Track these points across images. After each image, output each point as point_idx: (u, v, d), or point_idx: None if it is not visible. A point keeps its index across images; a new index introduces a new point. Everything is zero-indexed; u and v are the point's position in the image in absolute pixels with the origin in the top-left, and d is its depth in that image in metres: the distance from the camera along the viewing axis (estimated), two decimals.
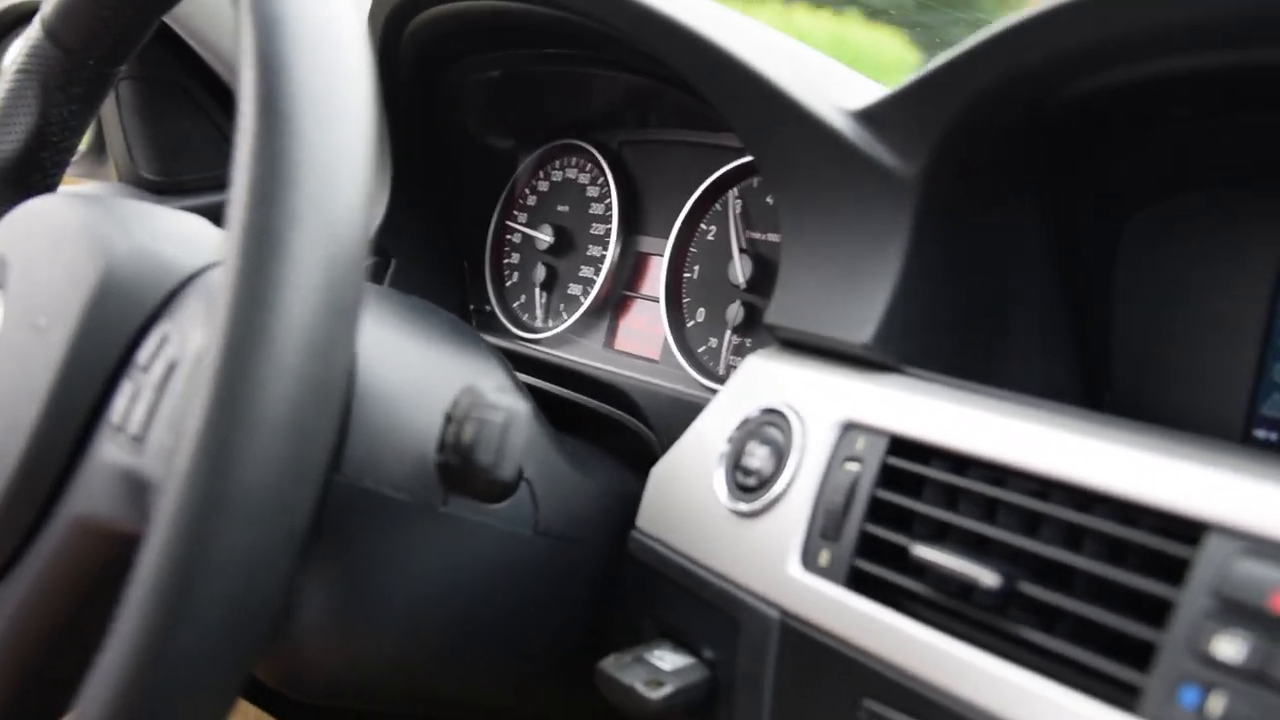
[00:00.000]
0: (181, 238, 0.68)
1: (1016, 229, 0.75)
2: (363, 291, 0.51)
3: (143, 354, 0.63)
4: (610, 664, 0.71)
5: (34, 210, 0.73)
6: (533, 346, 1.11)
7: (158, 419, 0.59)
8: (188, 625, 0.46)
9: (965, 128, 0.69)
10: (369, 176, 0.51)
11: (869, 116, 0.74)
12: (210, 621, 0.46)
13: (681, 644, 0.73)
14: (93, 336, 0.63)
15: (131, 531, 0.58)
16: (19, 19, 1.54)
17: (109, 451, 0.62)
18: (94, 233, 0.66)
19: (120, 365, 0.63)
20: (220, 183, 1.45)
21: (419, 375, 0.71)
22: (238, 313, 0.47)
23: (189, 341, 0.61)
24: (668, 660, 0.71)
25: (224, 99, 1.42)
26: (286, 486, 0.47)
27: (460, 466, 0.62)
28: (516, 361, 0.99)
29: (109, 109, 1.45)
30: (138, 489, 0.59)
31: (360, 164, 0.50)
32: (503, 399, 0.61)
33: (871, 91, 0.76)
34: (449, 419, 0.63)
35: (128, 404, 0.61)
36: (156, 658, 0.46)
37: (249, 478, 0.46)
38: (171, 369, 0.61)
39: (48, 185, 0.85)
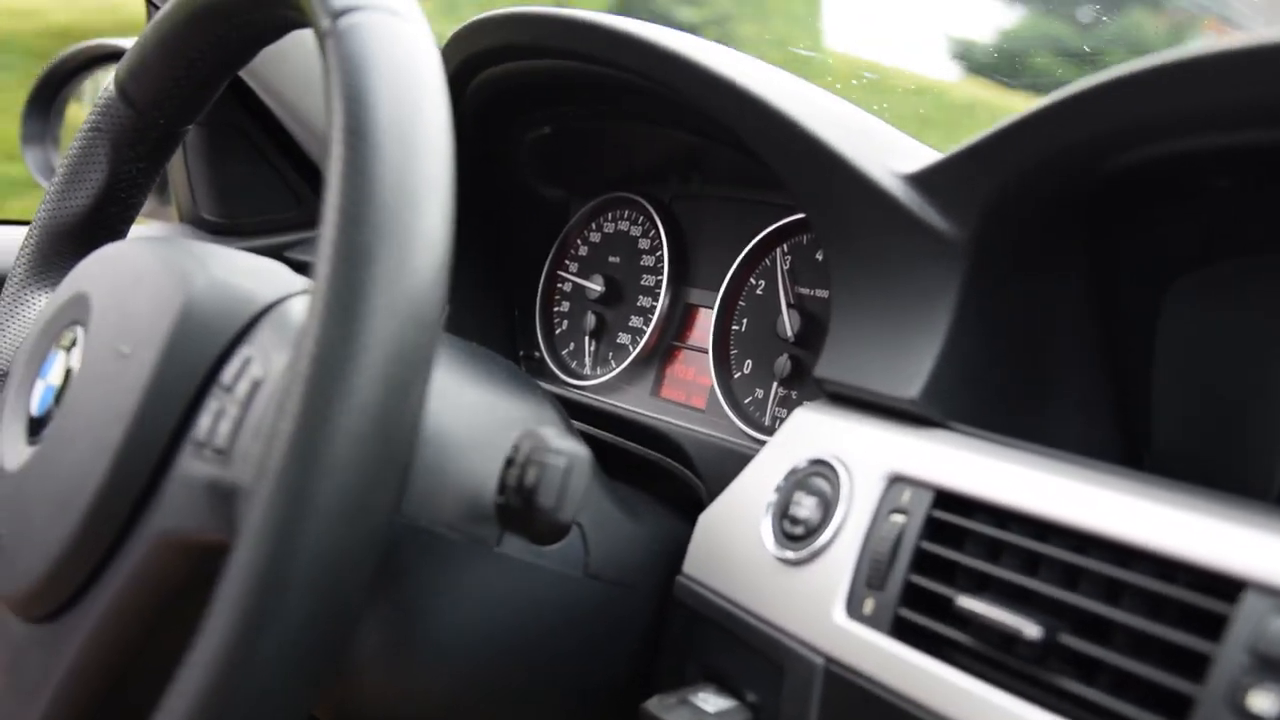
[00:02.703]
0: (257, 273, 0.71)
1: (1061, 292, 0.77)
2: (443, 305, 0.54)
3: (226, 375, 0.65)
4: (655, 705, 0.72)
5: (112, 253, 0.76)
6: (581, 393, 1.13)
7: (244, 432, 0.61)
8: (281, 616, 0.49)
9: (1014, 194, 0.71)
10: (450, 197, 0.54)
11: (921, 181, 0.76)
12: (301, 614, 0.49)
13: (725, 687, 0.74)
14: (176, 359, 0.65)
15: (216, 543, 0.60)
16: (90, 61, 1.57)
17: (194, 466, 0.63)
18: (175, 267, 0.68)
19: (204, 387, 0.65)
20: (278, 226, 1.48)
21: (478, 419, 0.73)
22: (328, 322, 0.50)
23: (272, 362, 0.63)
24: (711, 703, 0.73)
25: (284, 144, 1.45)
26: (370, 489, 0.50)
27: (521, 509, 0.63)
28: (565, 407, 1.01)
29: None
30: (223, 499, 0.61)
31: (441, 185, 0.54)
32: (564, 444, 0.63)
33: (923, 156, 0.78)
34: (510, 462, 0.65)
35: (213, 421, 0.63)
36: (246, 652, 0.48)
37: (337, 477, 0.49)
38: (255, 387, 0.63)
39: (114, 239, 0.87)
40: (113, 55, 1.54)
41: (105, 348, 0.69)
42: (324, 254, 0.52)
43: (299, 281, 0.71)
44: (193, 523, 0.63)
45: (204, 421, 0.64)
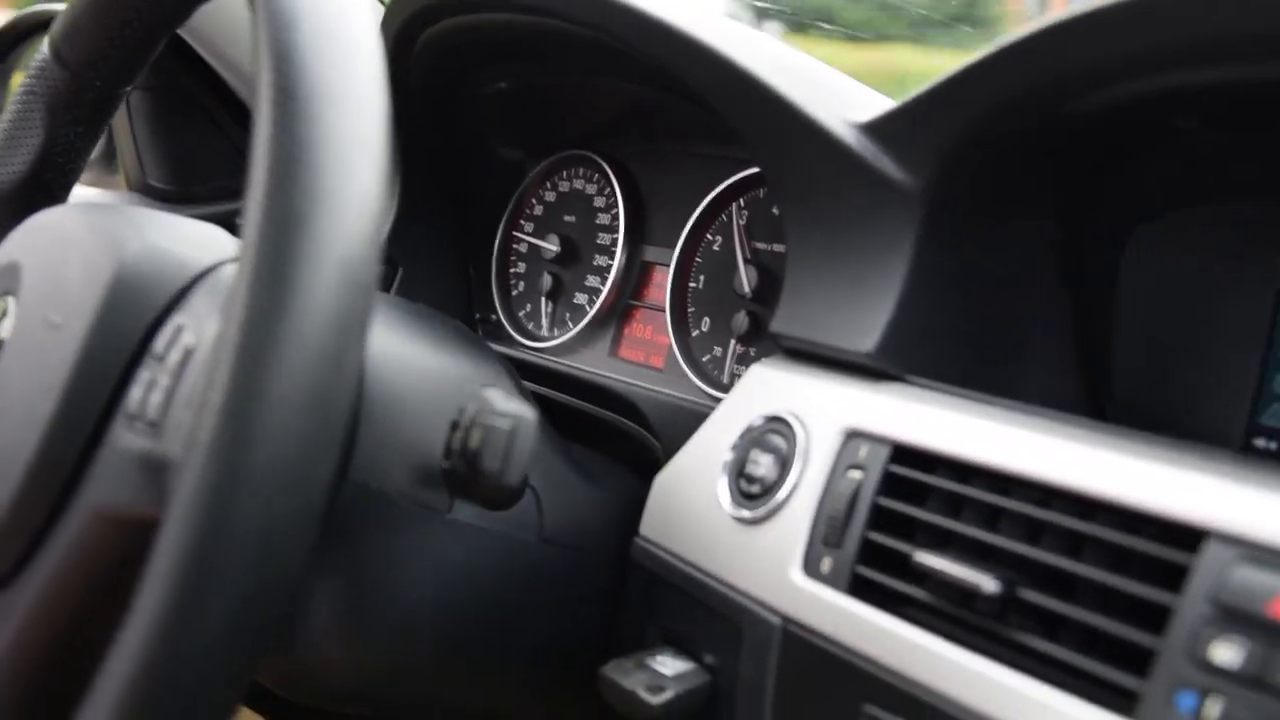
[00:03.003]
0: (194, 239, 0.69)
1: (1021, 241, 0.76)
2: (378, 269, 0.52)
3: (158, 344, 0.63)
4: (612, 669, 0.72)
5: (46, 218, 0.74)
6: (538, 355, 1.11)
7: (175, 403, 0.60)
8: (211, 594, 0.47)
9: (970, 142, 0.70)
10: (384, 159, 0.52)
11: (875, 129, 0.74)
12: (233, 592, 0.47)
13: (683, 650, 0.73)
14: (108, 329, 0.64)
15: (150, 518, 0.58)
16: (33, 28, 1.54)
17: (126, 439, 0.62)
18: (107, 234, 0.67)
19: (135, 357, 0.64)
20: (229, 193, 1.45)
21: (426, 382, 0.71)
22: (257, 289, 0.48)
23: (205, 330, 0.62)
24: (669, 666, 0.72)
25: (235, 110, 1.42)
26: (305, 461, 0.48)
27: (467, 473, 0.62)
28: (522, 370, 0.99)
29: (120, 118, 1.45)
30: (156, 472, 0.60)
31: (375, 146, 0.52)
32: (510, 406, 0.62)
33: (878, 105, 0.77)
34: (456, 425, 0.64)
35: (144, 392, 0.62)
36: (178, 629, 0.47)
37: (268, 450, 0.47)
38: (188, 356, 0.61)
39: (53, 205, 0.85)
40: (47, 23, 1.51)
41: (36, 318, 0.67)
42: (251, 218, 0.49)
43: (234, 245, 0.69)
44: (126, 496, 0.62)
45: (136, 393, 0.63)
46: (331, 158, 0.50)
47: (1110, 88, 0.65)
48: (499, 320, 1.20)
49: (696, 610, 0.73)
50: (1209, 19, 0.58)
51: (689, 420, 0.84)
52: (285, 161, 0.50)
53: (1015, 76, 0.66)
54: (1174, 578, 0.51)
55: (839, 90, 0.82)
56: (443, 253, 1.21)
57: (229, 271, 0.66)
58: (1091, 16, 0.61)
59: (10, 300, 0.70)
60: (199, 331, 0.62)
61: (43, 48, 0.80)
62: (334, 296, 0.49)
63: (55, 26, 0.78)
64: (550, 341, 1.13)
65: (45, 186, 0.84)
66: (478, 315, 1.22)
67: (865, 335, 0.72)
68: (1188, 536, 0.51)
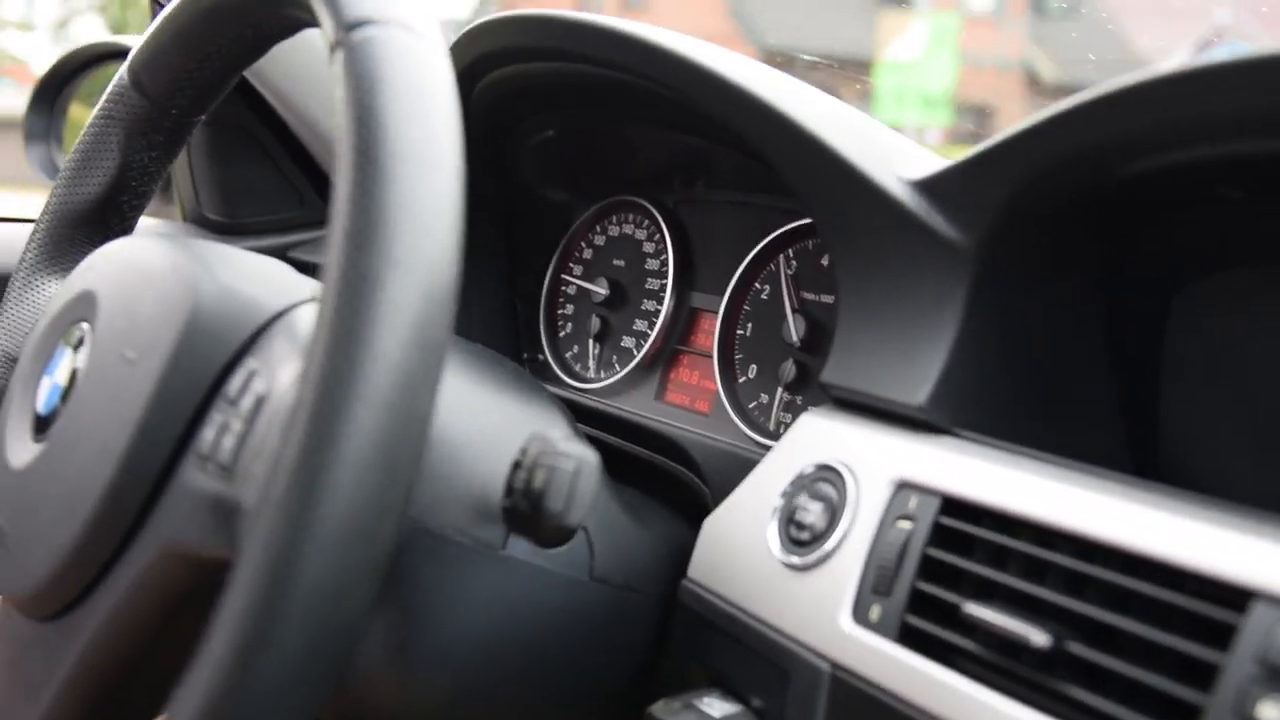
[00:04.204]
0: (266, 279, 0.70)
1: (1069, 300, 0.77)
2: (450, 332, 0.53)
3: (231, 387, 0.64)
4: (660, 709, 0.72)
5: (121, 250, 0.76)
6: (585, 396, 1.13)
7: (247, 449, 0.61)
8: (276, 645, 0.48)
9: (1021, 202, 0.71)
10: (460, 224, 0.54)
11: (929, 187, 0.76)
12: (298, 644, 0.49)
13: (730, 692, 0.74)
14: (182, 369, 0.65)
15: (217, 557, 0.60)
16: (91, 60, 1.58)
17: (197, 479, 0.63)
18: (183, 271, 0.68)
19: (208, 398, 0.65)
20: (281, 226, 1.48)
21: (484, 422, 0.73)
22: (333, 348, 0.50)
23: (277, 377, 0.63)
24: (716, 708, 0.72)
25: (289, 145, 1.45)
26: (373, 516, 0.50)
27: (529, 512, 0.63)
28: (569, 410, 1.01)
29: None
30: (225, 515, 0.61)
31: (451, 211, 0.54)
32: (573, 448, 0.63)
33: (931, 163, 0.78)
34: (518, 465, 0.65)
35: (216, 434, 0.63)
36: (243, 675, 0.48)
37: (339, 506, 0.49)
38: (260, 402, 0.62)
39: (124, 229, 0.87)
40: (115, 53, 1.54)
41: (112, 350, 0.69)
42: (330, 278, 0.52)
43: (305, 287, 0.71)
44: (195, 535, 0.63)
45: (208, 434, 0.64)
46: (408, 221, 0.52)
47: (1159, 156, 0.67)
48: (546, 360, 1.21)
49: (744, 653, 0.74)
50: (1259, 93, 0.59)
51: (736, 465, 0.85)
52: (363, 223, 0.51)
53: (1066, 141, 0.68)
54: (1221, 636, 0.52)
55: (892, 147, 0.83)
56: (492, 293, 1.23)
57: (302, 315, 0.68)
58: (1143, 87, 0.63)
59: (87, 328, 0.72)
60: (270, 378, 0.63)
61: (121, 74, 0.82)
62: (407, 358, 0.51)
63: (135, 55, 0.80)
64: (597, 383, 1.15)
65: (118, 209, 0.86)
66: (525, 355, 1.23)
67: (916, 388, 0.73)
68: (1235, 596, 0.52)
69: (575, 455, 0.63)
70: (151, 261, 0.71)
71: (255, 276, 0.70)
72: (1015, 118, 0.71)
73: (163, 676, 0.56)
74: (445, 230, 0.53)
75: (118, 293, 0.72)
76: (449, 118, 0.56)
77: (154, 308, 0.68)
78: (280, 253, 1.41)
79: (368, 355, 0.50)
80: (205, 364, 0.66)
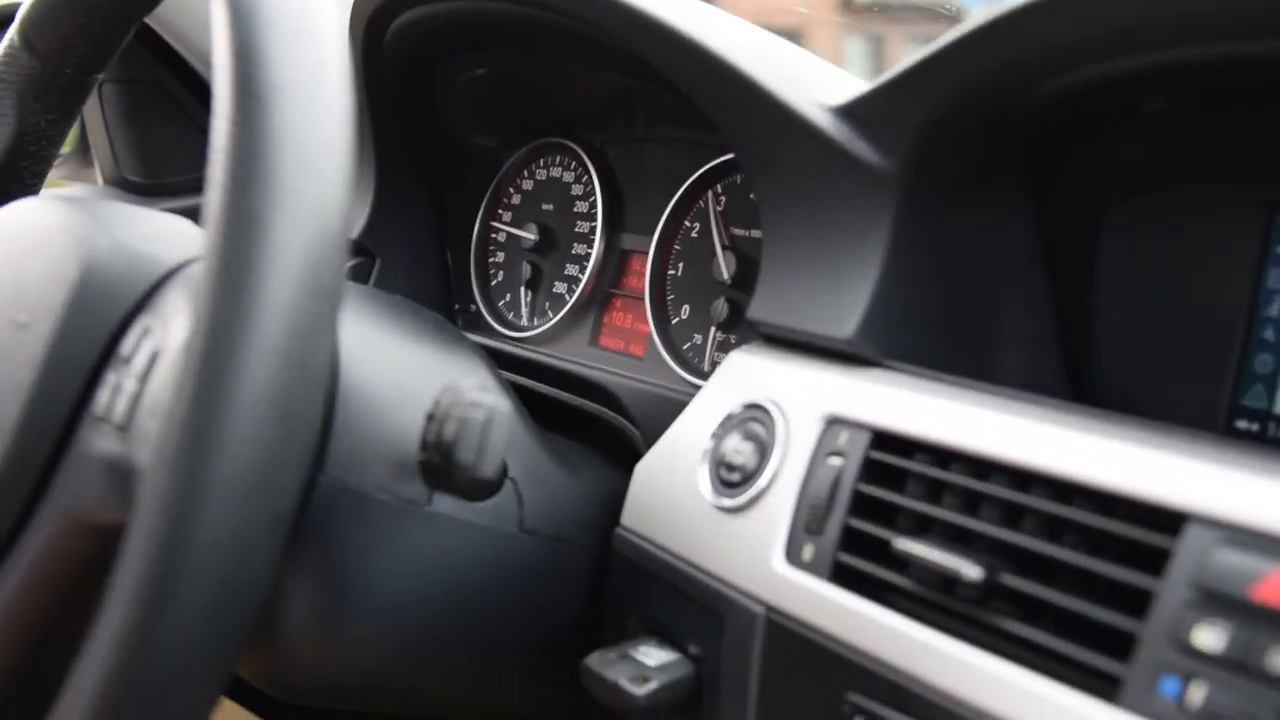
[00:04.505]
0: (162, 235, 0.68)
1: (998, 224, 0.76)
2: (344, 273, 0.51)
3: (125, 346, 0.63)
4: (596, 660, 0.71)
5: (13, 212, 0.73)
6: (518, 345, 1.11)
7: (142, 407, 0.60)
8: (175, 607, 0.46)
9: (945, 124, 0.69)
10: (349, 160, 0.51)
11: (849, 112, 0.74)
12: (198, 603, 0.47)
13: (667, 640, 0.73)
14: (75, 331, 0.63)
15: (118, 523, 0.58)
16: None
17: (94, 443, 0.62)
18: (74, 231, 0.66)
19: (103, 359, 0.63)
20: (203, 185, 1.45)
21: (402, 374, 0.71)
22: (219, 295, 0.48)
23: (171, 332, 0.61)
24: (653, 656, 0.71)
25: (207, 101, 1.40)
26: (271, 468, 0.48)
27: (442, 465, 0.62)
28: (502, 360, 0.99)
29: (93, 111, 1.44)
30: (123, 478, 0.59)
31: (340, 148, 0.51)
32: (484, 397, 0.61)
33: (852, 87, 0.76)
34: (431, 417, 0.63)
35: (111, 395, 0.61)
36: (145, 641, 0.46)
37: (233, 459, 0.47)
38: (154, 359, 0.61)
39: (27, 194, 0.84)
40: (6, 17, 1.50)
41: (3, 317, 0.66)
42: (212, 221, 0.49)
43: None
44: (94, 501, 0.61)
45: (103, 396, 0.62)
46: (293, 157, 0.49)
47: (1080, 68, 0.65)
48: (478, 310, 1.19)
49: (679, 600, 0.72)
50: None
51: (670, 409, 0.84)
52: (245, 162, 0.49)
53: (988, 56, 0.66)
54: (1156, 562, 0.51)
55: (813, 73, 0.81)
56: (421, 243, 1.20)
57: (196, 269, 0.66)
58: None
59: None
60: (165, 334, 0.61)
61: (11, 35, 0.79)
62: (297, 301, 0.48)
63: (24, 13, 0.78)
64: (530, 331, 1.13)
65: (18, 175, 0.83)
66: (457, 306, 1.21)
67: (843, 321, 0.71)
68: (1169, 520, 0.51)
69: (486, 404, 0.61)
70: (43, 223, 0.69)
71: (151, 233, 0.68)
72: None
73: (73, 649, 0.54)
74: (334, 167, 0.50)
75: (6, 257, 0.69)
76: (334, 49, 0.53)
77: (45, 268, 0.65)
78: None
79: (255, 300, 0.47)
80: (98, 323, 0.64)
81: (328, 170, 0.50)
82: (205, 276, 0.48)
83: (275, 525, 0.49)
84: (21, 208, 0.73)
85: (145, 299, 0.65)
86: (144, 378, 0.60)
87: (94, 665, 0.48)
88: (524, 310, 1.16)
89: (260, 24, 0.51)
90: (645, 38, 0.83)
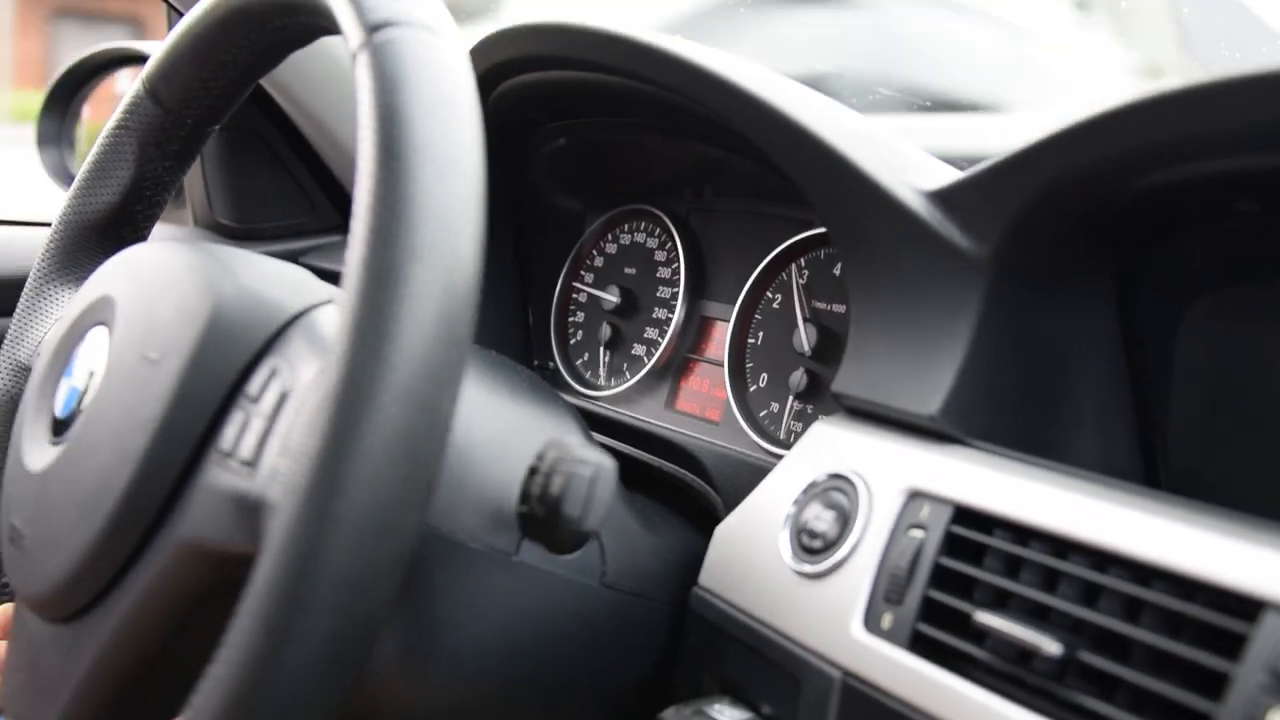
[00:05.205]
0: (285, 281, 0.71)
1: (1081, 311, 0.77)
2: (473, 326, 0.54)
3: (252, 386, 0.65)
4: (671, 715, 0.73)
5: (138, 255, 0.76)
6: (596, 404, 1.13)
7: (269, 445, 0.62)
8: (301, 635, 0.49)
9: (1035, 213, 0.72)
10: (482, 220, 0.55)
11: (943, 198, 0.76)
12: (322, 633, 0.49)
13: (741, 699, 0.75)
14: (203, 368, 0.65)
15: (239, 553, 0.60)
16: (110, 63, 1.58)
17: (219, 476, 0.63)
18: (202, 274, 0.69)
19: (230, 397, 0.66)
20: (293, 232, 1.48)
21: (499, 428, 0.73)
22: (357, 340, 0.51)
23: (298, 374, 0.63)
24: (727, 715, 0.73)
25: (302, 151, 1.45)
26: (395, 509, 0.51)
27: (545, 517, 0.64)
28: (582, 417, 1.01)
29: None
30: (248, 512, 0.61)
31: (473, 207, 0.55)
32: (590, 454, 0.64)
33: (945, 174, 0.79)
34: (534, 471, 0.65)
35: (238, 432, 0.64)
36: (269, 666, 0.49)
37: (363, 497, 0.50)
38: (283, 399, 0.63)
39: (138, 238, 0.87)
40: (130, 58, 1.55)
41: (131, 352, 0.69)
42: (353, 272, 0.52)
43: (324, 290, 0.71)
44: (216, 532, 0.63)
45: (229, 432, 0.64)
46: (431, 216, 0.53)
47: (1174, 168, 0.67)
48: (557, 368, 1.22)
49: (755, 660, 0.74)
50: (1269, 108, 0.60)
51: (746, 474, 0.86)
52: (387, 219, 0.52)
53: (1083, 152, 0.68)
54: (1232, 646, 0.52)
55: (907, 158, 0.84)
56: (504, 300, 1.23)
57: (321, 315, 0.68)
58: (1160, 99, 0.63)
59: (104, 332, 0.72)
60: (292, 375, 0.64)
61: (138, 85, 0.82)
62: (431, 350, 0.51)
63: (151, 65, 0.81)
64: (608, 391, 1.15)
65: (132, 218, 0.86)
66: (536, 363, 1.24)
67: (929, 398, 0.73)
68: (1245, 606, 0.53)
69: (593, 461, 0.63)
70: (169, 265, 0.72)
71: (274, 279, 0.71)
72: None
73: (180, 678, 0.56)
74: (467, 225, 0.54)
75: (136, 295, 0.72)
76: (470, 117, 0.57)
77: (174, 309, 0.68)
78: (292, 259, 1.41)
79: (392, 347, 0.51)
80: (226, 363, 0.66)
81: (462, 228, 0.54)
82: (345, 323, 0.51)
83: (396, 563, 0.51)
84: (145, 250, 0.76)
85: (271, 341, 0.67)
86: (272, 416, 0.63)
87: (218, 686, 0.50)
88: (602, 370, 1.18)
89: (405, 91, 0.55)
90: (748, 116, 0.85)
